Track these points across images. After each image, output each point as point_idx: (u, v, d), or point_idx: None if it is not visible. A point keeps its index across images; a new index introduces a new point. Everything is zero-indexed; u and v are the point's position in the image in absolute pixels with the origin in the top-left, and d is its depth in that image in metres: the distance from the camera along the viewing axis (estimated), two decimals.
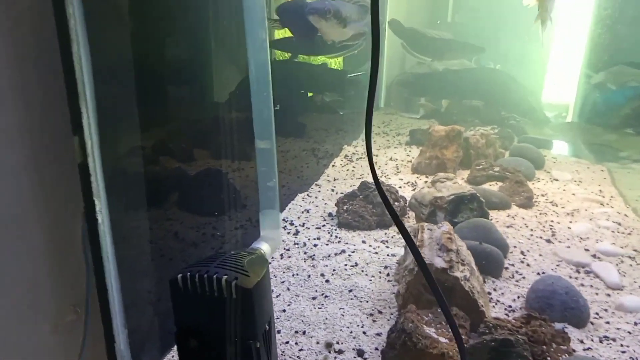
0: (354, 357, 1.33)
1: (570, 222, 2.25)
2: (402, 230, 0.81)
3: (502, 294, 1.64)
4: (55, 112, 0.93)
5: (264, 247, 1.21)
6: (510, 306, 1.57)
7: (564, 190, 2.69)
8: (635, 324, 1.49)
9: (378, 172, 2.99)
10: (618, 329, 1.47)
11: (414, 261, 1.46)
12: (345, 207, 2.19)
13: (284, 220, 2.20)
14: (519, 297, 1.62)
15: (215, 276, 1.03)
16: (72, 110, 0.92)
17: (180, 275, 1.05)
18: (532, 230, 2.15)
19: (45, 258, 1.02)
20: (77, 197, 1.04)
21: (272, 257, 1.85)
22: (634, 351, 1.36)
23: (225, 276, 1.03)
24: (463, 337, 1.33)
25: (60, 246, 1.05)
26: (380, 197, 0.92)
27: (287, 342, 1.39)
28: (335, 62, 3.86)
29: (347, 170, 3.00)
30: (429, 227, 1.63)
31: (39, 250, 1.00)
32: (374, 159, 3.32)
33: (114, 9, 1.20)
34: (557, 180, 2.87)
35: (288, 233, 2.08)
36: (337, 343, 1.38)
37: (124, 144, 1.36)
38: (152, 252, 1.58)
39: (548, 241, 2.04)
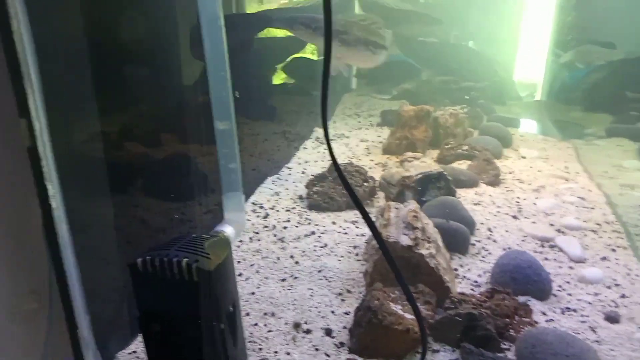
0: (322, 336, 1.34)
1: (536, 198, 2.29)
2: (359, 207, 0.81)
3: (469, 269, 1.67)
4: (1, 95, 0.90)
5: (227, 229, 1.20)
6: (476, 281, 1.59)
7: (530, 167, 2.73)
8: (595, 294, 1.53)
9: (349, 153, 2.98)
10: (579, 300, 1.51)
11: None
12: (315, 189, 2.19)
13: (253, 203, 2.19)
14: (485, 272, 1.64)
15: (175, 259, 1.01)
16: (17, 93, 0.89)
17: (140, 259, 1.03)
18: (499, 207, 2.18)
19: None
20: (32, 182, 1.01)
21: (241, 241, 1.83)
22: (594, 321, 1.40)
23: (186, 259, 1.01)
24: (429, 312, 1.35)
25: (16, 232, 1.03)
26: (341, 181, 0.92)
27: (256, 324, 1.39)
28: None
29: (318, 152, 2.99)
30: (395, 206, 1.64)
31: None
32: (347, 140, 3.32)
33: None
34: (524, 157, 2.91)
35: (257, 216, 2.06)
36: (305, 323, 1.39)
37: (81, 128, 1.32)
38: (117, 238, 1.55)
39: (514, 217, 2.08)
